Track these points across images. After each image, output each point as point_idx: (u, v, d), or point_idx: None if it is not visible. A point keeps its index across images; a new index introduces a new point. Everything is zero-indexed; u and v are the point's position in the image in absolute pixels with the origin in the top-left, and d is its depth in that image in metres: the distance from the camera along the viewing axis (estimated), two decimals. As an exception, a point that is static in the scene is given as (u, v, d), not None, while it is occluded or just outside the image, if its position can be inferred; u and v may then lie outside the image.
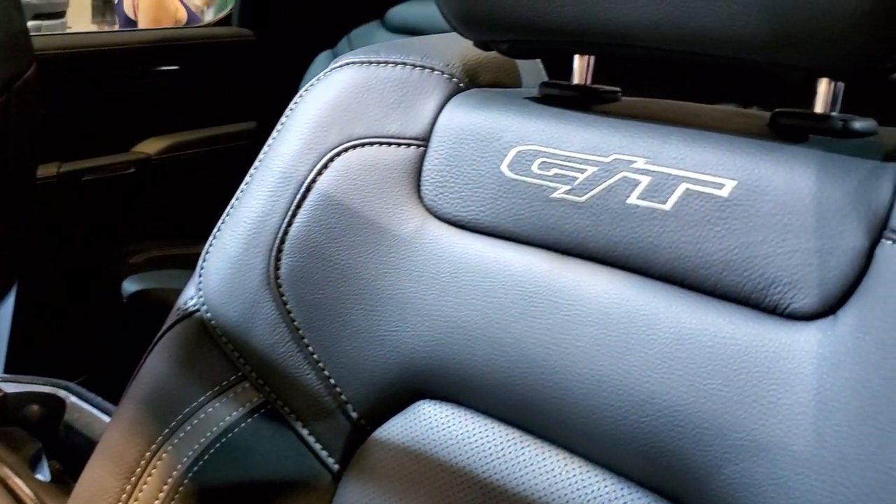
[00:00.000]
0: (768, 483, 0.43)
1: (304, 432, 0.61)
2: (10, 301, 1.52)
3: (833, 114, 0.49)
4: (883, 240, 0.43)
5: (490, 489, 0.53)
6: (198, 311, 0.62)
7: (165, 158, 2.01)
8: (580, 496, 0.50)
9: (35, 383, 0.92)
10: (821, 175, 0.45)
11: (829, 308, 0.44)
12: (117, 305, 1.76)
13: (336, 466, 0.62)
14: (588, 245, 0.52)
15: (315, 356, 0.59)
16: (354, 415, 0.60)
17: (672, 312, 0.48)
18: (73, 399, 0.93)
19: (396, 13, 1.90)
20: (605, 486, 0.50)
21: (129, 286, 1.71)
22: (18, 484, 0.70)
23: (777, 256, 0.45)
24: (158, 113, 2.04)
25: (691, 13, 0.46)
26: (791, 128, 0.51)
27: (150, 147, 2.00)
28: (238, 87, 2.18)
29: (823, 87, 0.49)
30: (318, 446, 0.61)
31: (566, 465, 0.51)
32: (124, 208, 1.98)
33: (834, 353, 0.42)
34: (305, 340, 0.59)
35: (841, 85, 0.49)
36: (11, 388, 0.85)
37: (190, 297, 0.63)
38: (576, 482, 0.50)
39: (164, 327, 0.63)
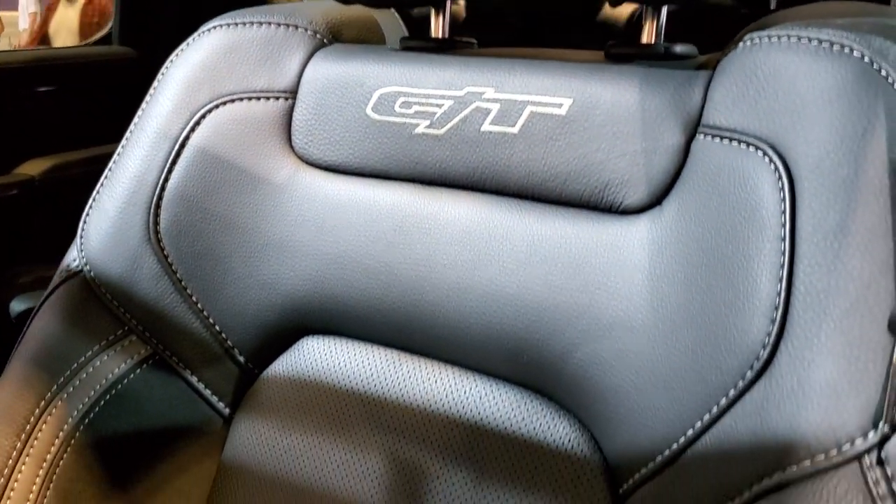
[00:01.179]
0: (614, 358, 0.48)
1: (194, 380, 0.63)
2: None
3: (657, 42, 0.55)
4: (697, 135, 0.48)
5: (375, 406, 0.56)
6: (81, 271, 0.63)
7: (49, 179, 1.97)
8: (455, 399, 0.54)
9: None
10: (643, 86, 0.51)
11: (656, 200, 0.49)
12: (7, 326, 1.71)
13: (227, 411, 0.64)
14: (449, 174, 0.56)
15: (199, 305, 0.61)
16: (241, 359, 0.62)
17: (525, 224, 0.52)
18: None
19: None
20: (477, 387, 0.54)
21: (17, 305, 1.66)
22: None
23: (610, 161, 0.50)
24: (40, 133, 2.00)
25: None
26: (622, 56, 0.56)
27: (33, 168, 1.96)
28: (121, 106, 2.15)
29: (648, 21, 0.55)
30: (207, 392, 0.63)
31: (441, 374, 0.55)
32: (8, 231, 1.93)
33: (661, 237, 0.48)
34: (188, 291, 0.61)
35: (663, 19, 0.56)
36: None
37: (72, 259, 0.64)
38: (450, 387, 0.55)
39: (48, 291, 0.64)
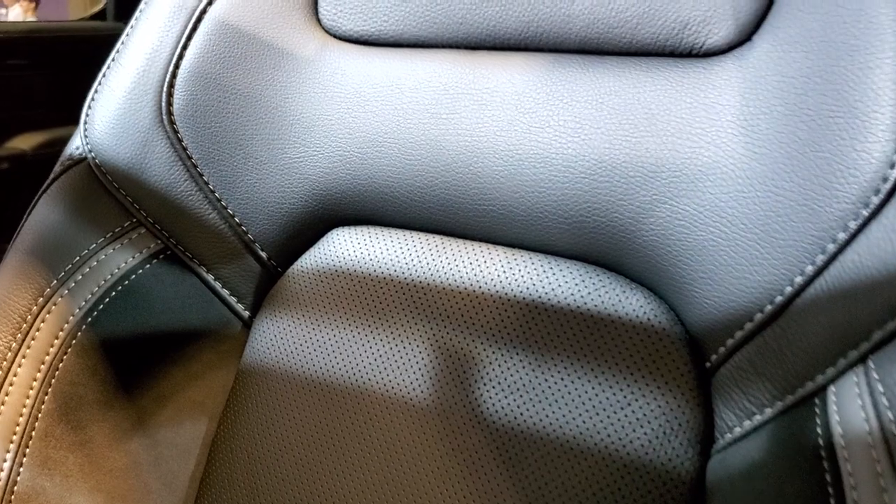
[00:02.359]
0: (702, 213, 0.42)
1: (210, 278, 0.57)
2: None
3: None
4: None
5: (416, 296, 0.50)
6: (84, 158, 0.57)
7: (42, 154, 1.91)
8: (507, 279, 0.48)
9: None
10: None
11: (745, 35, 0.43)
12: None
13: (246, 313, 0.58)
14: (499, 34, 0.50)
15: (216, 194, 0.55)
16: (263, 254, 0.56)
17: (589, 80, 0.47)
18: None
19: None
20: (532, 265, 0.48)
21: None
22: None
23: None
24: (33, 108, 1.94)
25: None
26: None
27: (25, 142, 1.90)
28: (117, 82, 2.09)
29: None
30: (225, 292, 0.57)
31: (490, 255, 0.49)
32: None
33: (754, 75, 0.42)
34: (204, 178, 0.55)
35: None
36: None
37: (76, 146, 0.58)
38: (501, 268, 0.48)
39: (49, 180, 0.58)
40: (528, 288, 0.47)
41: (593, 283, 0.46)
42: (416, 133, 0.51)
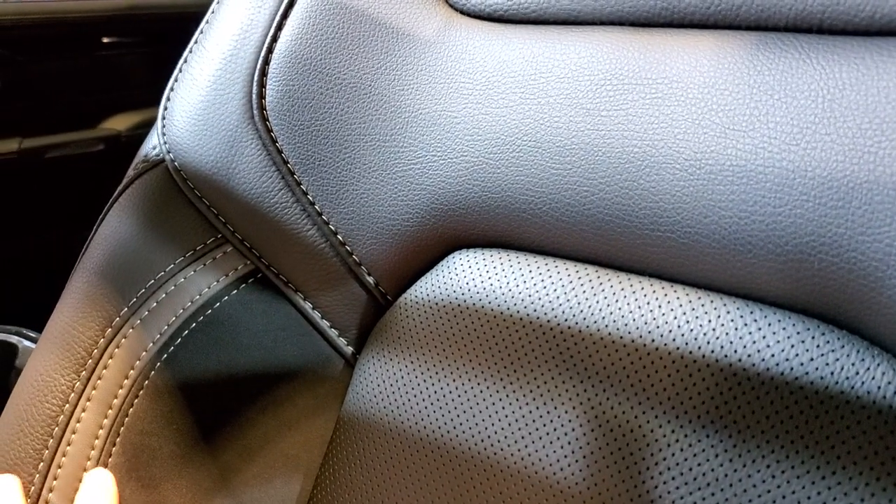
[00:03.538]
0: None
1: (307, 307, 0.47)
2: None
3: None
4: None
5: (563, 344, 0.39)
6: (162, 160, 0.48)
7: (137, 135, 1.87)
8: (690, 331, 0.36)
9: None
10: None
11: None
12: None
13: (349, 349, 0.48)
14: (681, 6, 0.39)
15: (315, 206, 0.45)
16: (370, 280, 0.46)
17: (812, 66, 0.34)
18: (27, 344, 0.79)
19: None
20: (725, 314, 0.36)
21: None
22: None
23: None
24: (129, 88, 1.90)
25: None
26: None
27: (120, 123, 1.86)
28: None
29: None
30: (325, 324, 0.47)
31: (665, 295, 0.38)
32: (92, 188, 1.83)
33: None
34: (302, 186, 0.45)
35: None
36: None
37: (152, 146, 0.49)
38: (682, 314, 0.37)
39: (122, 185, 0.49)
40: (722, 346, 0.35)
41: (817, 346, 0.34)
42: (567, 134, 0.40)
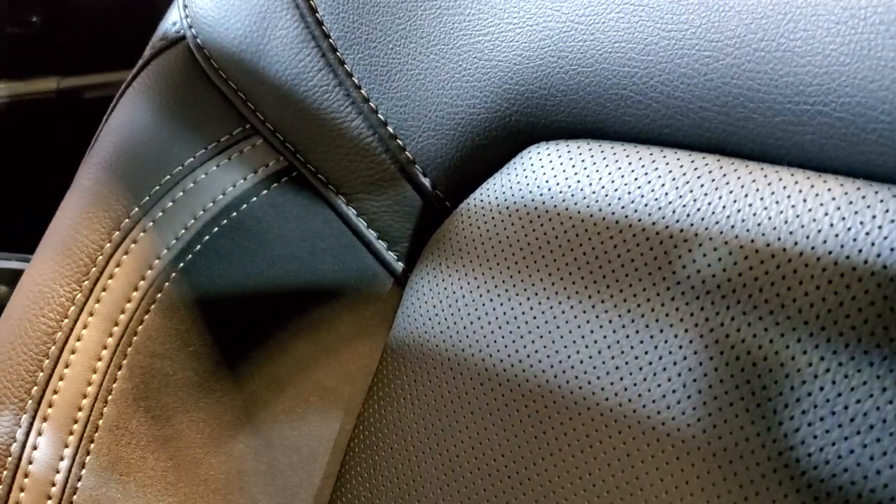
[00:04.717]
0: None
1: (350, 212, 0.40)
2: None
3: None
4: None
5: (672, 252, 0.31)
6: (183, 37, 0.40)
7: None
8: (851, 230, 0.28)
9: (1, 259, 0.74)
10: None
11: None
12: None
13: (400, 265, 0.40)
14: None
15: (362, 91, 0.37)
16: (426, 181, 0.38)
17: None
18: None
19: None
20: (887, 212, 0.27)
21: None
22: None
23: None
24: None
25: None
26: None
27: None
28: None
29: None
30: (371, 234, 0.40)
31: (813, 186, 0.29)
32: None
33: None
34: (346, 66, 0.37)
35: None
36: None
37: (172, 21, 0.41)
38: (838, 209, 0.28)
39: (136, 68, 0.41)
40: (892, 249, 0.27)
41: None
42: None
